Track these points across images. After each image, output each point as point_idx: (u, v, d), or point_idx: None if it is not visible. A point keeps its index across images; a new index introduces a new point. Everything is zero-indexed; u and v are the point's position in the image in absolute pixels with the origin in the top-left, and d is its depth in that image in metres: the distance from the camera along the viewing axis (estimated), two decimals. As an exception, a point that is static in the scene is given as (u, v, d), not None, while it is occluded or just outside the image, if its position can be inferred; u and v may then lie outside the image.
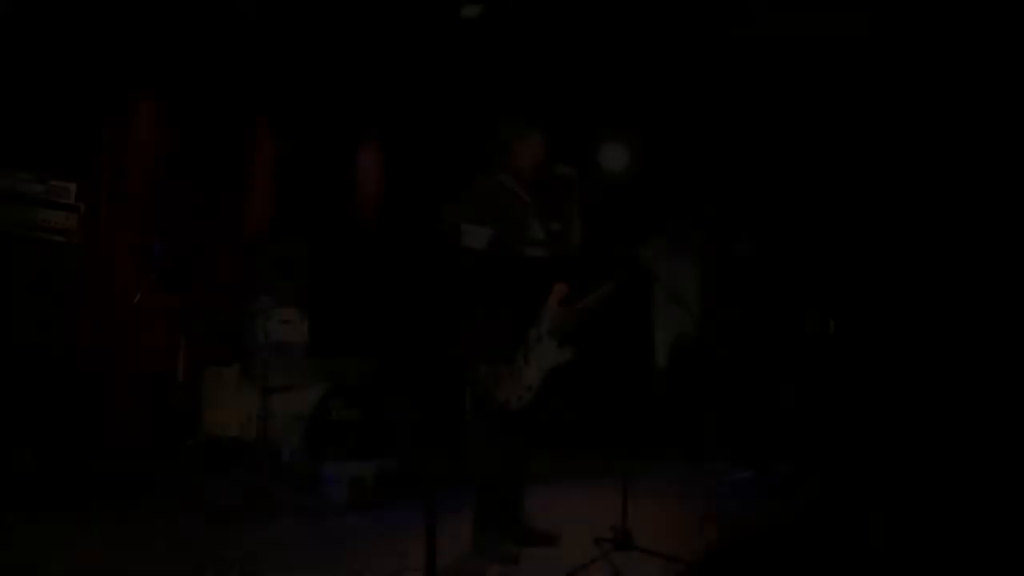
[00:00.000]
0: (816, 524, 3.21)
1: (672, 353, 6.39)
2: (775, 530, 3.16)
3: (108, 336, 4.27)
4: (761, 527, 3.21)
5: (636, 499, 2.65)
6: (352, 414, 3.96)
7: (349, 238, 5.52)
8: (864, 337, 5.03)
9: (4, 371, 2.98)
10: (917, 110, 4.97)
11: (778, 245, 5.77)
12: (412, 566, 2.39)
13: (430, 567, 1.59)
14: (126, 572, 2.42)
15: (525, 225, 2.75)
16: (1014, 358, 4.55)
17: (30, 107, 4.05)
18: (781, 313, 5.37)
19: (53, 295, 3.19)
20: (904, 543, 2.81)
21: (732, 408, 5.34)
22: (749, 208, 5.84)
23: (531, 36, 4.68)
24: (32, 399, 3.04)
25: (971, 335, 4.79)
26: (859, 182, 5.48)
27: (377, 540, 2.91)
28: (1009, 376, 4.51)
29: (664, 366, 6.43)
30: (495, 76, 5.09)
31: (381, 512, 3.39)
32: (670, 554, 2.58)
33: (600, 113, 5.63)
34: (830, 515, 3.37)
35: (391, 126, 5.90)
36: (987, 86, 4.61)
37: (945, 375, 4.78)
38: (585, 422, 5.90)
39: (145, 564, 2.49)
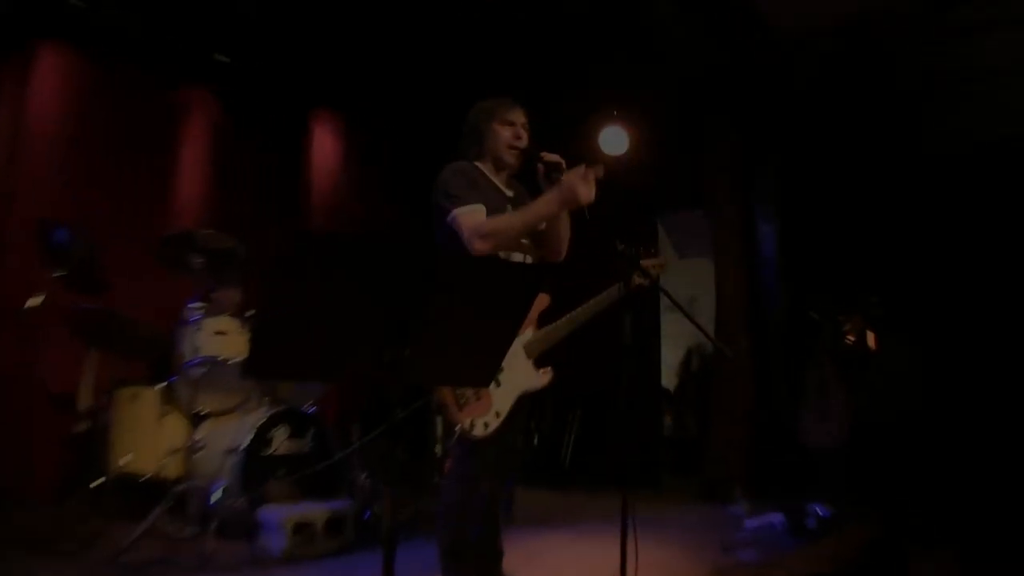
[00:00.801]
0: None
1: (682, 373, 6.36)
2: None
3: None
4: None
5: (640, 545, 2.57)
6: (299, 446, 3.88)
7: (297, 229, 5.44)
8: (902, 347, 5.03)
9: None
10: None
11: (801, 246, 5.77)
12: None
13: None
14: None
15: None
16: None
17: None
18: (803, 324, 5.36)
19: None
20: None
21: (756, 436, 5.30)
22: (772, 200, 5.83)
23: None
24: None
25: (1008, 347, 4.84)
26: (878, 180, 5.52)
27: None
28: None
29: (673, 387, 6.40)
30: (477, 43, 5.05)
31: (331, 565, 3.32)
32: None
33: (595, 90, 5.60)
34: (876, 565, 3.34)
35: (351, 96, 5.82)
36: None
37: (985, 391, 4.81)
38: (578, 454, 5.84)
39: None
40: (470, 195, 2.57)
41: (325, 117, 5.96)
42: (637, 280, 2.82)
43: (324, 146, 5.96)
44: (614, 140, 5.64)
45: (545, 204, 2.58)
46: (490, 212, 2.64)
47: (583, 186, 2.51)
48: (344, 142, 6.06)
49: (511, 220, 2.58)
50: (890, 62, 5.10)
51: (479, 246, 2.47)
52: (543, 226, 2.80)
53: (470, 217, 2.53)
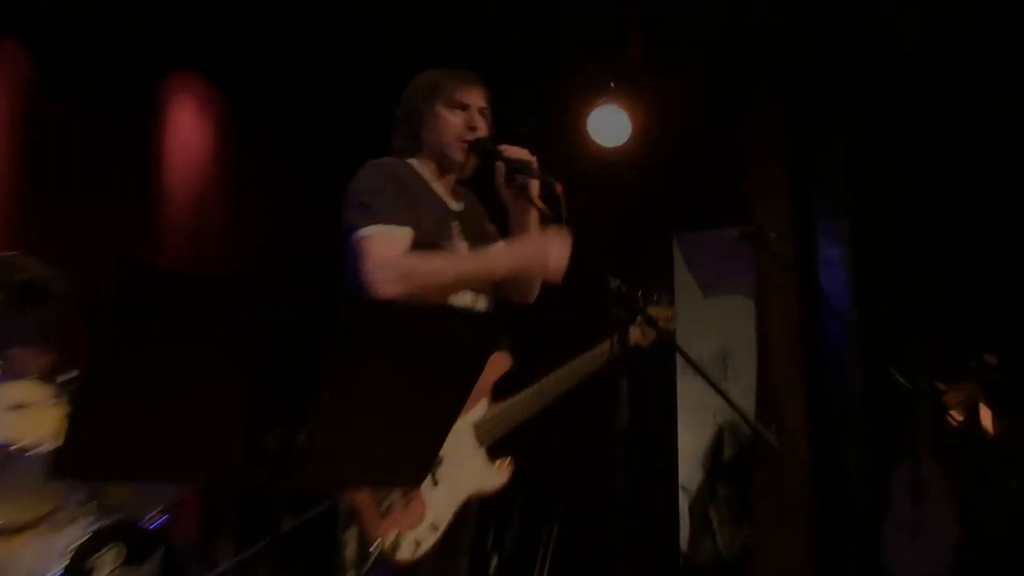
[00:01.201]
0: None
1: (709, 464, 6.39)
2: None
3: None
4: None
5: None
6: (137, 576, 3.83)
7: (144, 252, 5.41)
8: None
9: None
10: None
11: (883, 280, 5.81)
12: None
13: None
14: None
15: (447, 249, 2.75)
16: None
17: None
18: (885, 395, 5.37)
19: None
20: None
21: (817, 560, 5.33)
22: (840, 213, 5.91)
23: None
24: None
25: None
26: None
27: None
28: None
29: (695, 487, 6.42)
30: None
31: None
32: None
33: (584, 55, 5.68)
34: None
35: (225, 51, 5.83)
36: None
37: None
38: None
39: None
40: (394, 210, 2.60)
41: (187, 80, 6.00)
42: (636, 336, 2.86)
43: (185, 122, 6.01)
44: (610, 126, 5.73)
45: (499, 257, 2.66)
46: (427, 231, 2.69)
47: (559, 249, 2.60)
48: (215, 117, 6.12)
49: (443, 266, 2.65)
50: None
51: (385, 288, 2.49)
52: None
53: (383, 242, 2.56)
